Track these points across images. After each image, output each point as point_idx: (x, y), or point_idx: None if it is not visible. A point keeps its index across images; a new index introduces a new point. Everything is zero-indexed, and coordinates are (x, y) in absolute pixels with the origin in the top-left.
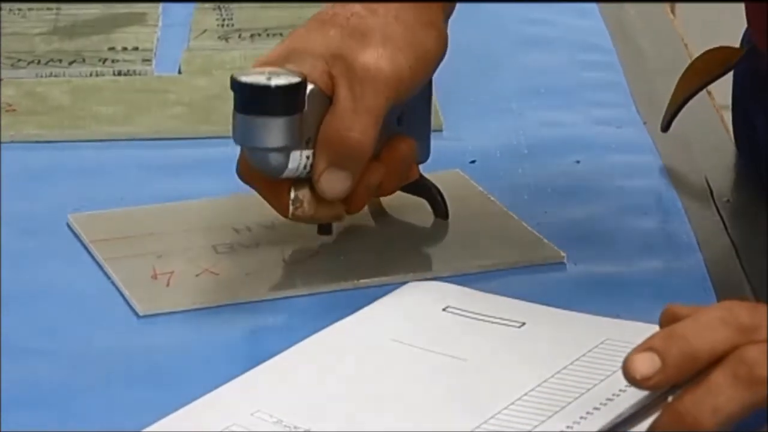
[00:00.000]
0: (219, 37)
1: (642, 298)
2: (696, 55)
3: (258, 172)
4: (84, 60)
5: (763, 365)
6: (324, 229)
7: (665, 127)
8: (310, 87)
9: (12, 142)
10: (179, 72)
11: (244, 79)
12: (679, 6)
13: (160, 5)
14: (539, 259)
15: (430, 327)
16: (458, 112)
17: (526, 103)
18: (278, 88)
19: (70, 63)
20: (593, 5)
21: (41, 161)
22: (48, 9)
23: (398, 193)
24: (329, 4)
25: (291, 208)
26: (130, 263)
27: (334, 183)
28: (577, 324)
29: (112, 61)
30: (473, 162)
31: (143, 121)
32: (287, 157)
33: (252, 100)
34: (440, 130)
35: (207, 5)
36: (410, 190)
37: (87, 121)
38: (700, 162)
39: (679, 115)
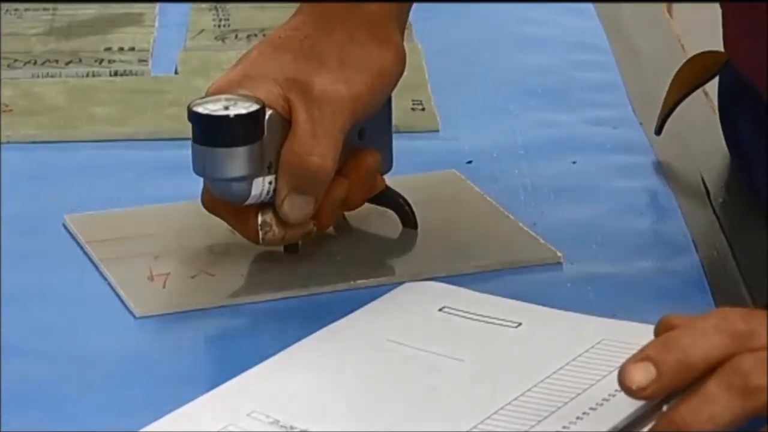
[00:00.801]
0: (215, 38)
1: (638, 298)
2: (691, 54)
3: (222, 202)
4: (80, 60)
5: (757, 375)
6: (290, 248)
7: (658, 130)
8: (268, 112)
9: (8, 142)
10: (176, 72)
11: (201, 110)
12: (675, 6)
13: (157, 5)
14: (536, 259)
15: (427, 327)
16: (455, 113)
17: (522, 104)
18: (237, 117)
19: (67, 63)
20: (589, 5)
21: (37, 162)
22: (44, 9)
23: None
24: (280, 26)
25: (261, 233)
26: (127, 264)
27: (297, 208)
28: (573, 324)
29: (109, 61)
30: (470, 162)
31: (140, 122)
32: (250, 184)
33: (211, 132)
34: (437, 131)
35: (203, 6)
36: (377, 201)
37: (83, 121)
38: (697, 162)
39: (676, 115)
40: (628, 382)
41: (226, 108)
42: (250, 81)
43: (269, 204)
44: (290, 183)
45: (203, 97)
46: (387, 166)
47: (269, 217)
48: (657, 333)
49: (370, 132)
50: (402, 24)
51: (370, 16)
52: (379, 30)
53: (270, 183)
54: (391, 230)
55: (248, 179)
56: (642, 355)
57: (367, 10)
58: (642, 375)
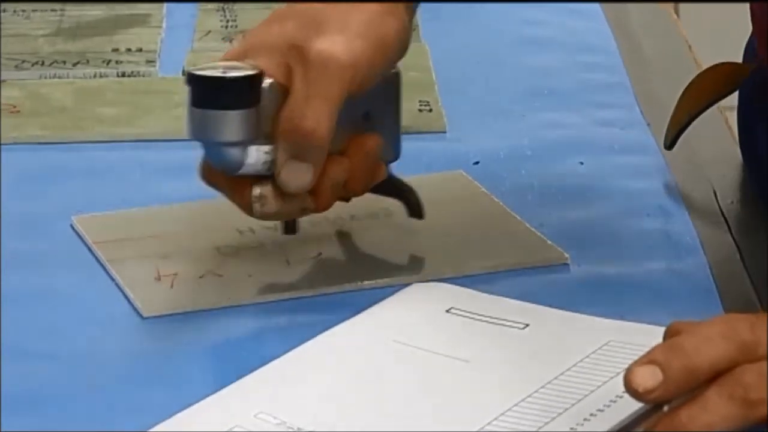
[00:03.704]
0: (223, 39)
1: (645, 299)
2: (699, 55)
3: (218, 172)
4: (88, 61)
5: (758, 389)
6: (289, 227)
7: (669, 145)
8: (268, 81)
9: (16, 143)
10: (183, 73)
11: (199, 72)
12: (682, 7)
13: (164, 6)
14: (543, 260)
15: (434, 328)
16: (462, 114)
17: (529, 105)
18: (233, 80)
19: (74, 64)
20: (596, 6)
21: (45, 163)
22: (52, 10)
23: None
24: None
25: (257, 205)
26: (134, 265)
27: (294, 175)
28: (580, 325)
29: (116, 62)
30: (477, 163)
31: (147, 123)
32: (244, 152)
33: (206, 93)
34: (444, 132)
35: (210, 6)
36: (381, 190)
37: (90, 122)
38: (704, 164)
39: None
40: (634, 385)
41: (224, 72)
42: (253, 50)
43: (266, 177)
44: (287, 149)
45: (203, 64)
46: (393, 155)
47: (265, 189)
48: (665, 339)
49: (375, 116)
50: (411, 8)
51: None
52: (386, 2)
53: (266, 153)
54: (398, 231)
55: (242, 145)
56: (648, 359)
57: None
58: (648, 378)
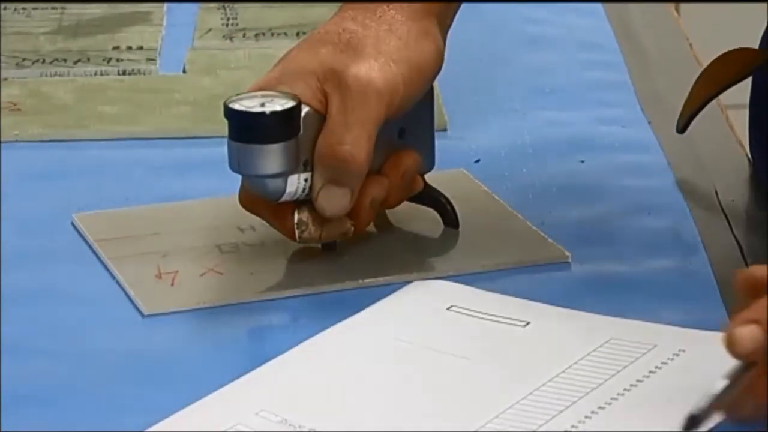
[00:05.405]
0: (223, 37)
1: (647, 297)
2: (700, 54)
3: (259, 200)
4: (89, 59)
5: None
6: (328, 246)
7: (682, 129)
8: (305, 109)
9: (17, 141)
10: (184, 71)
11: (237, 106)
12: (683, 5)
13: (165, 5)
14: (544, 258)
15: (435, 326)
16: (463, 112)
17: (530, 103)
18: (273, 114)
19: (75, 62)
20: (598, 5)
21: (46, 161)
22: (53, 8)
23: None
24: (321, 25)
25: (297, 231)
26: (135, 263)
27: (332, 200)
28: (581, 323)
29: (117, 60)
30: (478, 161)
31: (148, 121)
32: (285, 181)
33: (246, 128)
34: (445, 130)
35: (211, 5)
36: (418, 200)
37: (91, 120)
38: (706, 162)
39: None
40: (738, 347)
41: (262, 105)
42: (289, 76)
43: (306, 202)
44: (324, 174)
45: (240, 94)
46: (429, 165)
47: (306, 215)
48: (742, 287)
49: (410, 131)
50: (445, 23)
51: (411, 11)
52: (419, 24)
53: (306, 180)
54: (399, 229)
55: (283, 176)
56: (750, 318)
57: (409, 6)
58: (750, 338)
